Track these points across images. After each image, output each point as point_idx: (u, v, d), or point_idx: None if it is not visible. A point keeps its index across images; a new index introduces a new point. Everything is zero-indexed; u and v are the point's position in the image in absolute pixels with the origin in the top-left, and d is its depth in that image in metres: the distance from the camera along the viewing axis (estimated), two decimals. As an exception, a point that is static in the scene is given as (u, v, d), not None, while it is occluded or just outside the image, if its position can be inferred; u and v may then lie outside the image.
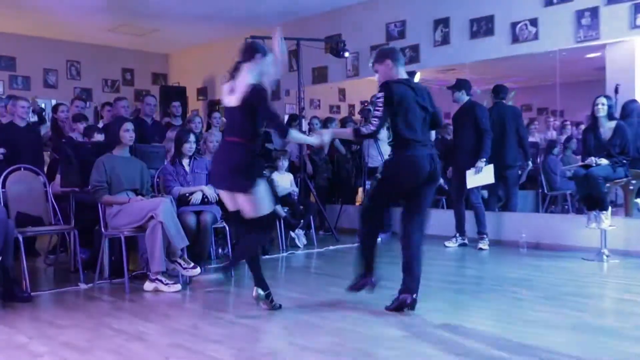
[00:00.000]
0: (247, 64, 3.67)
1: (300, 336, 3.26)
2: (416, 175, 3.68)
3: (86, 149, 5.04)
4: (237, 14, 8.69)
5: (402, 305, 3.65)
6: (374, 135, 3.72)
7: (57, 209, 5.02)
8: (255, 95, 3.58)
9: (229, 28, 9.33)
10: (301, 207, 6.80)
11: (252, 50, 3.72)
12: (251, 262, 3.80)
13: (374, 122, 3.67)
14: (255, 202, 3.67)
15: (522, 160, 6.83)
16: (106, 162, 4.68)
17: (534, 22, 6.60)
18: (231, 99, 3.67)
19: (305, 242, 6.66)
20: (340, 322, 3.53)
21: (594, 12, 6.15)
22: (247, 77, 3.63)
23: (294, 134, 3.95)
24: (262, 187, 3.69)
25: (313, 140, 4.06)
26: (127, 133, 4.77)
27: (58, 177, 5.48)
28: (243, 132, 3.66)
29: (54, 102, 8.03)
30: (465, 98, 6.34)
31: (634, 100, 6.04)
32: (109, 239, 4.76)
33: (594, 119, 5.70)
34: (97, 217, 4.79)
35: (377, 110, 3.68)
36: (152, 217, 4.43)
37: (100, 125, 6.82)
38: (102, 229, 4.67)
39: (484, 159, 6.17)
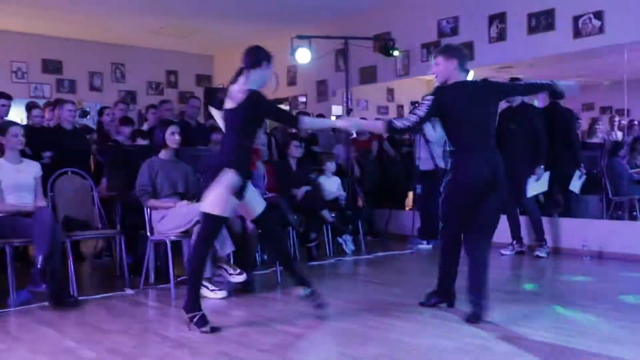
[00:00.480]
0: (252, 71, 3.69)
1: (349, 346, 3.26)
2: (475, 180, 3.64)
3: (133, 153, 5.18)
4: (280, 12, 8.77)
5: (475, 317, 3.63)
6: (407, 131, 3.72)
7: (103, 213, 5.17)
8: (255, 100, 3.60)
9: (272, 27, 9.43)
10: (349, 212, 6.81)
11: (258, 57, 3.74)
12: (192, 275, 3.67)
13: (412, 118, 3.67)
14: (215, 196, 3.59)
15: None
16: (152, 166, 4.79)
17: (598, 15, 6.42)
18: (228, 103, 3.71)
19: (353, 248, 6.66)
20: (390, 331, 3.52)
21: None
22: (247, 84, 3.65)
23: (308, 121, 3.97)
24: (229, 185, 3.58)
25: (339, 123, 4.07)
26: (173, 136, 4.87)
27: (104, 180, 5.64)
28: (237, 131, 3.67)
29: (98, 105, 8.25)
30: (519, 99, 6.22)
31: None
32: (154, 244, 4.87)
33: (664, 119, 5.51)
34: (141, 222, 4.92)
35: (420, 110, 3.69)
36: (198, 222, 4.51)
37: (145, 127, 6.99)
38: (148, 234, 4.79)
39: (542, 166, 6.04)
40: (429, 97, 3.68)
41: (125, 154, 5.17)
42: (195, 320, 3.55)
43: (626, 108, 7.27)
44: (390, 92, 10.02)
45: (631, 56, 6.43)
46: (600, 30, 6.42)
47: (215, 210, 3.59)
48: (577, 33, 6.60)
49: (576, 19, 6.59)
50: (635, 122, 7.71)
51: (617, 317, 3.76)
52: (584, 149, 7.68)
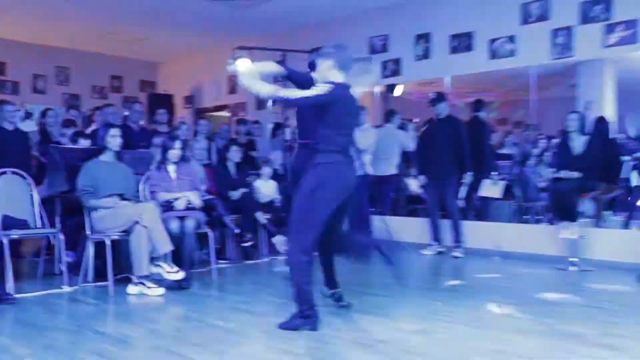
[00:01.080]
0: None
1: (280, 340, 3.26)
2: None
3: (73, 154, 5.01)
4: (224, 24, 8.71)
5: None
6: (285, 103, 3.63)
7: (42, 212, 4.97)
8: None
9: (216, 38, 9.34)
10: (284, 214, 6.79)
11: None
12: None
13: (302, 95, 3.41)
14: None
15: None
16: (92, 167, 4.66)
17: (512, 39, 6.70)
18: None
19: (286, 248, 6.63)
20: (321, 327, 3.53)
21: (569, 31, 6.26)
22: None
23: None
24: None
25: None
26: (114, 139, 4.76)
27: (46, 181, 5.43)
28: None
29: (42, 107, 7.94)
30: (447, 111, 6.40)
31: (603, 117, 6.15)
32: (94, 243, 4.72)
33: (566, 134, 5.79)
34: (83, 221, 4.77)
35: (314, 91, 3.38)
36: (137, 222, 4.42)
37: (89, 130, 6.78)
38: (88, 233, 4.64)
39: (470, 172, 6.24)
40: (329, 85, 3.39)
41: (67, 155, 5.00)
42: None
43: (533, 123, 7.56)
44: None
45: (538, 77, 6.72)
46: (513, 53, 6.70)
47: None
48: (493, 55, 6.86)
49: (492, 41, 6.85)
50: (542, 136, 8.05)
51: (524, 311, 3.92)
52: (497, 159, 8.00)
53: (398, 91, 8.21)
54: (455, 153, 6.28)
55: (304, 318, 3.41)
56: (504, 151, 7.87)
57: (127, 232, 4.48)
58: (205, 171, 6.30)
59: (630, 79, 6.55)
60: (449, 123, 6.35)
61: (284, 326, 3.42)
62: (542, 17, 6.45)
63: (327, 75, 3.52)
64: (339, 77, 3.52)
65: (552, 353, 3.01)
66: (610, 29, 5.97)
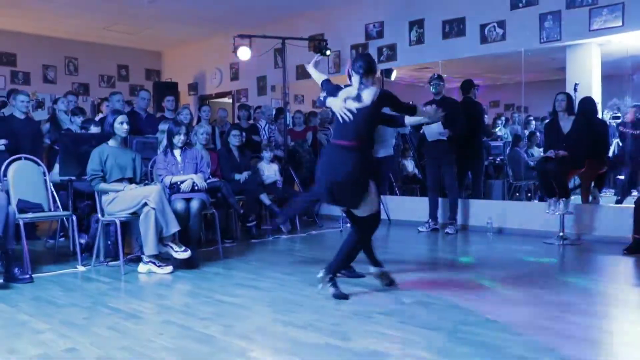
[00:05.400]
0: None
1: (283, 313, 3.30)
2: None
3: (84, 141, 5.02)
4: (223, 13, 8.65)
5: None
6: None
7: (55, 196, 4.99)
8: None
9: (216, 27, 9.28)
10: (286, 194, 6.82)
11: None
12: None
13: None
14: (367, 204, 3.58)
15: (485, 152, 6.91)
16: (101, 153, 4.67)
17: (501, 24, 6.66)
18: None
19: (289, 227, 6.68)
20: (321, 300, 3.57)
21: (556, 15, 6.22)
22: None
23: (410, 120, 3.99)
24: (372, 189, 3.57)
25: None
26: (122, 125, 4.76)
27: (57, 166, 5.44)
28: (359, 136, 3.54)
29: (53, 96, 7.93)
30: (442, 93, 6.39)
31: (590, 97, 6.13)
32: (105, 224, 4.75)
33: (554, 114, 5.78)
34: (94, 204, 4.79)
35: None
36: (145, 204, 4.44)
37: (99, 118, 6.77)
38: (99, 215, 4.67)
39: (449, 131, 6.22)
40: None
41: (77, 142, 5.00)
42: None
43: (523, 106, 7.55)
44: (325, 88, 10.04)
45: (528, 61, 6.68)
46: (503, 37, 6.66)
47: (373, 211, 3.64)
48: (484, 39, 6.82)
49: (483, 27, 6.81)
50: (532, 118, 8.04)
51: (515, 283, 3.96)
52: (490, 139, 8.00)
53: (394, 76, 8.18)
54: (453, 132, 6.27)
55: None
56: (497, 132, 7.89)
57: (136, 213, 4.50)
58: (210, 155, 6.30)
59: (614, 62, 6.53)
60: (446, 103, 6.33)
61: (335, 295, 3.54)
62: (531, 2, 6.39)
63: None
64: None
65: (541, 321, 3.04)
66: (596, 13, 5.93)
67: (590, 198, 6.20)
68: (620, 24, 5.78)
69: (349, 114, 3.50)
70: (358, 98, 3.52)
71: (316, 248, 5.80)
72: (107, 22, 9.06)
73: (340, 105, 3.55)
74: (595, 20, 5.93)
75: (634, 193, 6.35)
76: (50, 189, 4.94)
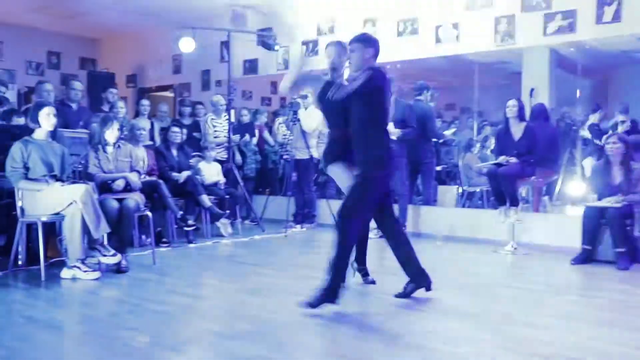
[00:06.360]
0: None
1: (217, 323, 3.26)
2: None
3: (4, 133, 4.82)
4: (167, 3, 8.49)
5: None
6: None
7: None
8: None
9: (159, 16, 9.10)
10: (227, 196, 6.76)
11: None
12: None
13: None
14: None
15: (435, 156, 7.04)
16: (23, 147, 4.48)
17: (455, 25, 6.81)
18: None
19: (231, 231, 6.61)
20: (259, 309, 3.55)
21: (511, 18, 6.41)
22: None
23: None
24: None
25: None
26: (48, 117, 4.58)
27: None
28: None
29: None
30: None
31: (542, 104, 6.34)
32: (26, 225, 4.57)
33: (505, 120, 5.94)
34: (13, 203, 4.60)
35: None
36: (72, 204, 4.30)
37: (24, 108, 6.52)
38: (18, 215, 4.48)
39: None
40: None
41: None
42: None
43: (477, 110, 7.75)
44: (274, 84, 10.02)
45: (482, 64, 6.87)
46: (457, 39, 6.81)
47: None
48: (437, 40, 6.95)
49: (437, 27, 6.94)
50: (486, 123, 8.25)
51: (458, 293, 4.04)
52: (443, 144, 8.17)
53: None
54: (403, 138, 6.35)
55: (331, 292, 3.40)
56: (450, 136, 8.05)
57: (61, 214, 4.36)
58: (147, 152, 6.18)
59: (567, 67, 6.78)
60: (398, 106, 6.40)
61: (314, 304, 3.38)
62: (485, 4, 6.57)
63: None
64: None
65: (479, 333, 3.11)
66: (549, 17, 6.14)
67: (541, 207, 6.41)
68: (572, 29, 6.00)
69: None
70: None
71: (258, 253, 5.76)
72: (37, 3, 8.73)
73: None
74: (549, 25, 6.15)
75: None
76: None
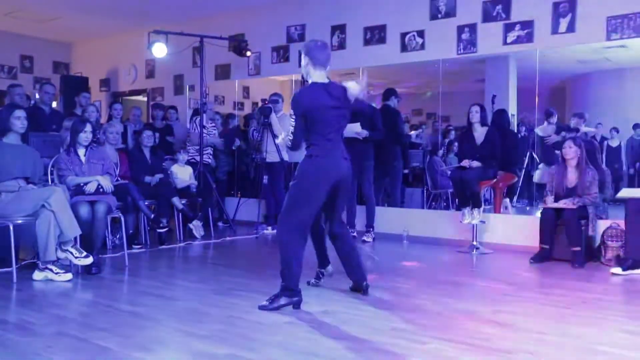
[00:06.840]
0: None
1: (188, 323, 3.25)
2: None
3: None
4: (140, 6, 8.42)
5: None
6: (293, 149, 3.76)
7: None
8: None
9: (132, 21, 9.02)
10: (199, 199, 6.73)
11: None
12: None
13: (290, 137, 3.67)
14: None
15: (403, 159, 7.13)
16: (-6, 150, 4.41)
17: (421, 33, 6.90)
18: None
19: (203, 233, 6.58)
20: (229, 309, 3.55)
21: (473, 28, 6.53)
22: None
23: None
24: None
25: None
26: (18, 120, 4.53)
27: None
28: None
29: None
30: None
31: (504, 110, 6.48)
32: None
33: (468, 125, 6.05)
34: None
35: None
36: (43, 206, 4.24)
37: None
38: (-10, 218, 4.40)
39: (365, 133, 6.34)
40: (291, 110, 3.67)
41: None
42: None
43: (442, 115, 7.83)
44: (246, 89, 10.00)
45: (447, 71, 6.96)
46: (422, 47, 6.91)
47: None
48: (404, 48, 7.04)
49: (403, 35, 7.03)
50: (452, 127, 8.37)
51: (424, 291, 4.10)
52: (411, 148, 8.25)
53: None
54: (370, 139, 6.41)
55: (289, 296, 3.52)
56: (416, 140, 8.15)
57: (33, 216, 4.29)
58: (120, 155, 6.12)
59: (528, 75, 6.92)
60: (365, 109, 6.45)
61: (268, 308, 3.50)
62: (449, 14, 6.68)
63: (307, 71, 3.69)
64: (316, 75, 3.67)
65: (446, 331, 3.17)
66: (509, 27, 6.28)
67: (502, 208, 6.54)
68: (530, 39, 6.15)
69: None
70: None
71: (230, 255, 5.76)
72: (10, 7, 8.56)
73: None
74: (509, 35, 6.28)
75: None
76: None
